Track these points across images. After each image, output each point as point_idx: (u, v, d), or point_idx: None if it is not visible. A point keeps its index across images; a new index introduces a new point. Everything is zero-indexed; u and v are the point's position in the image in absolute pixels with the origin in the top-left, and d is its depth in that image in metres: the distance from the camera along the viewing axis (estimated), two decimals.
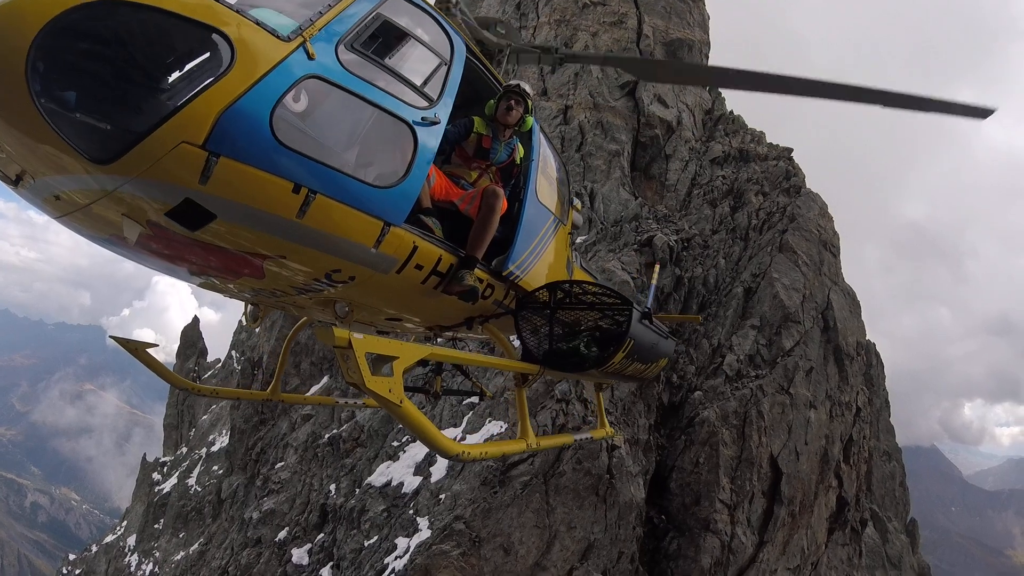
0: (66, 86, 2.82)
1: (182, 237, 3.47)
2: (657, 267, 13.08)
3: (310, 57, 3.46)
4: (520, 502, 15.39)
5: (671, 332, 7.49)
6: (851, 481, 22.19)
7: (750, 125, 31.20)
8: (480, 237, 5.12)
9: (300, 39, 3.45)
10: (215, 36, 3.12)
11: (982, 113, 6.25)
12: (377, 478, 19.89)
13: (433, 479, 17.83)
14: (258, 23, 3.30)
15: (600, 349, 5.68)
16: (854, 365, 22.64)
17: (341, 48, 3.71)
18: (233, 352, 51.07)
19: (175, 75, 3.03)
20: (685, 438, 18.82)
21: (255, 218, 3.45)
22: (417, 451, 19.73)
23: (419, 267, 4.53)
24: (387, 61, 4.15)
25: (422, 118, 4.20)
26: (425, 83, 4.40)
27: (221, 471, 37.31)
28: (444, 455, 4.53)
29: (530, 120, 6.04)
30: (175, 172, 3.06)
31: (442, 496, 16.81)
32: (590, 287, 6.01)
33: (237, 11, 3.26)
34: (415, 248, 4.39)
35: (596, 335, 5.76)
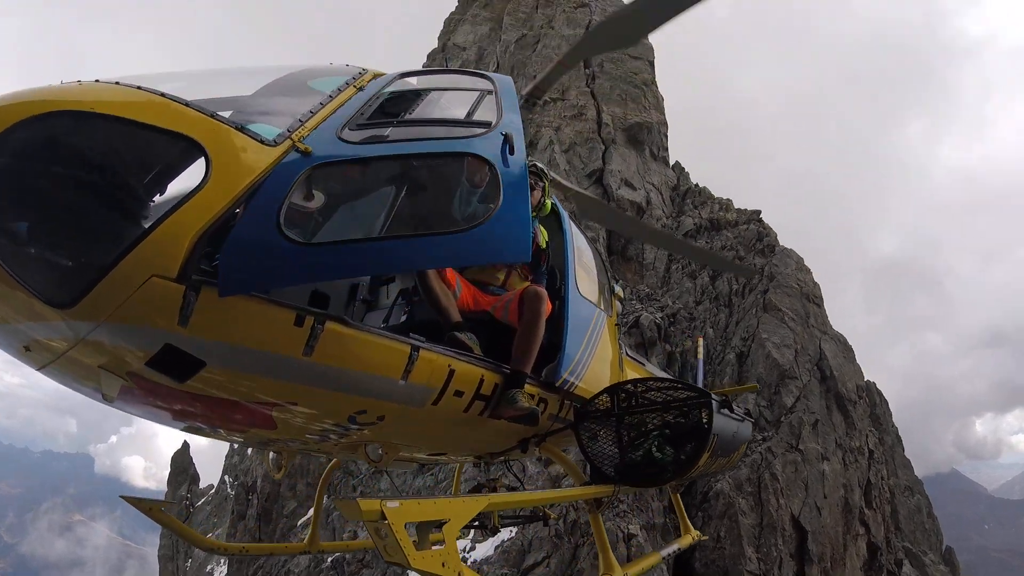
0: (14, 218, 2.46)
1: (172, 389, 2.95)
2: (701, 340, 12.73)
3: (305, 154, 2.96)
4: None
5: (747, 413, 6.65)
6: (878, 524, 22.18)
7: (716, 194, 32.33)
8: (527, 348, 4.45)
9: (288, 142, 2.96)
10: (185, 145, 2.69)
11: (751, 273, 6.30)
12: None
13: None
14: (238, 128, 2.84)
15: (675, 448, 4.89)
16: (858, 409, 22.98)
17: (346, 131, 3.23)
18: (226, 477, 49.91)
19: (139, 195, 2.61)
20: (702, 514, 18.84)
21: (253, 361, 2.93)
22: None
23: (459, 393, 3.85)
24: (410, 116, 3.67)
25: (485, 141, 3.62)
26: (472, 113, 3.82)
27: None
28: None
29: (550, 202, 5.38)
30: (148, 313, 2.57)
31: None
32: (654, 383, 5.28)
33: (211, 116, 2.80)
34: (451, 372, 3.73)
35: (666, 433, 4.96)
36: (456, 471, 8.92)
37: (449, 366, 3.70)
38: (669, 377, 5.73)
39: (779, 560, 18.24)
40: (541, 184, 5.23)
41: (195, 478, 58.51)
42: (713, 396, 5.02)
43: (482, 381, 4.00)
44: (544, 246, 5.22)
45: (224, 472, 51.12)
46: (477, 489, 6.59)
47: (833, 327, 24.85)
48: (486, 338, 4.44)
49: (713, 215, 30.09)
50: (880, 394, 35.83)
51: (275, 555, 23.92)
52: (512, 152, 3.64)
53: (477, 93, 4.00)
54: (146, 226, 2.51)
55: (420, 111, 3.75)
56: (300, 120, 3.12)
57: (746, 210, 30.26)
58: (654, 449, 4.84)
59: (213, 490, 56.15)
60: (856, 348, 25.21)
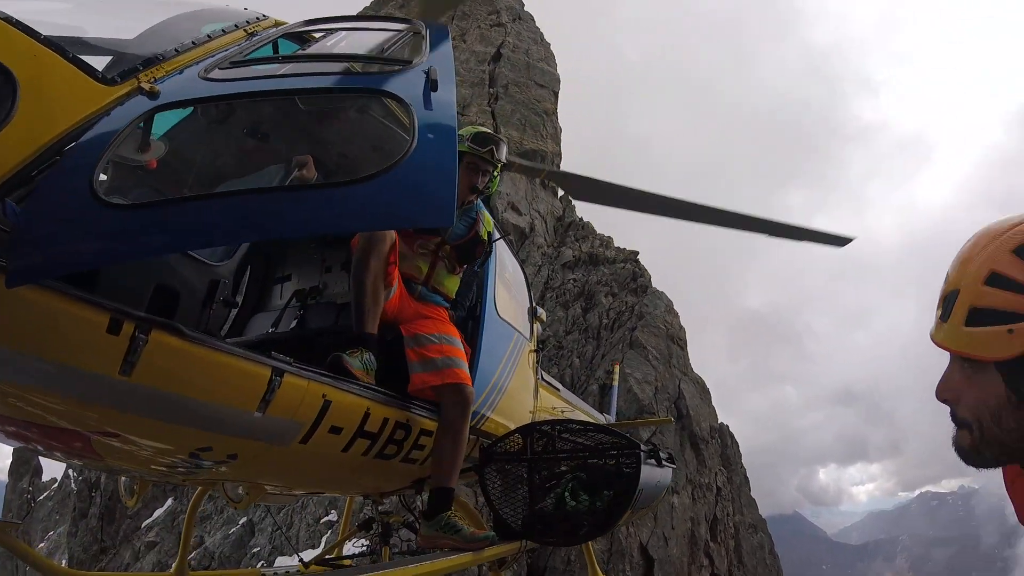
0: None
1: None
2: (617, 366, 12.29)
3: (151, 95, 2.22)
4: None
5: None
6: (721, 558, 23.22)
7: (598, 231, 33.29)
8: (452, 460, 3.64)
9: (133, 82, 2.23)
10: None
11: (842, 242, 6.24)
12: None
13: None
14: (69, 59, 2.06)
15: (590, 495, 4.16)
16: (710, 448, 24.18)
17: (216, 71, 2.45)
18: (71, 471, 46.84)
19: None
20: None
21: (51, 378, 2.10)
22: None
23: (336, 430, 2.99)
24: (306, 52, 2.98)
25: (400, 78, 2.73)
26: (387, 50, 3.03)
27: None
28: None
29: (496, 183, 4.36)
30: None
31: None
32: (574, 425, 4.65)
33: (39, 40, 1.98)
34: (327, 404, 2.87)
35: (581, 477, 4.25)
36: (347, 502, 7.30)
37: (324, 396, 2.86)
38: (592, 423, 5.11)
39: None
40: (487, 168, 4.18)
41: (38, 470, 53.86)
42: (641, 446, 4.33)
43: (367, 416, 3.16)
44: (484, 237, 4.18)
45: (68, 466, 47.31)
46: (367, 525, 5.66)
47: (694, 370, 26.08)
48: (387, 356, 3.58)
49: (593, 250, 30.96)
50: (732, 436, 37.69)
51: None
52: (435, 90, 2.68)
53: (400, 33, 3.21)
54: None
55: (320, 48, 3.04)
56: (158, 57, 2.38)
57: (625, 249, 31.40)
58: (567, 496, 4.13)
59: (56, 484, 52.15)
60: (714, 392, 26.82)
